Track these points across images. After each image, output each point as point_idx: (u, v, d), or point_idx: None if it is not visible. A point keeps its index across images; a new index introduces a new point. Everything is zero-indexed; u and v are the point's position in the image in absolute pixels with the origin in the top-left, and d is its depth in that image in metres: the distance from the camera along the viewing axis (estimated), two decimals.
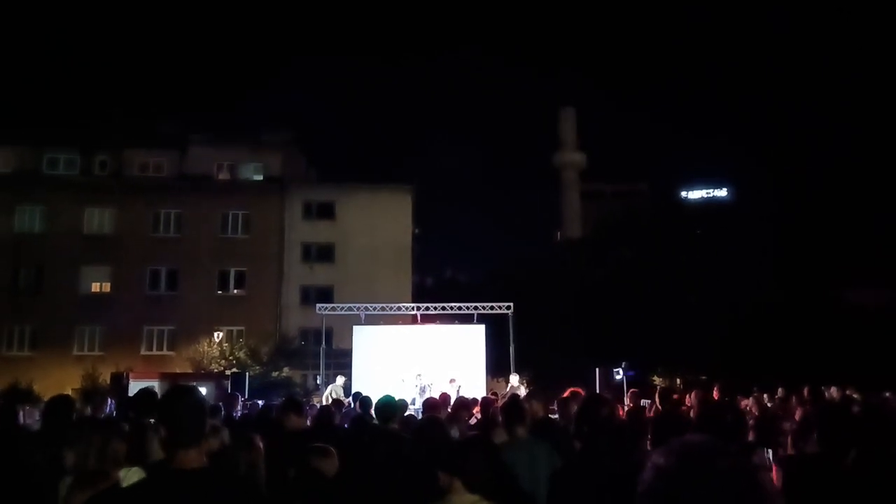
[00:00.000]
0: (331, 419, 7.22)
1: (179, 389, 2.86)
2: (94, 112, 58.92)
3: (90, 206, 33.14)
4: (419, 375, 16.77)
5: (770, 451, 5.82)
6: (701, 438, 1.43)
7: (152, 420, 5.53)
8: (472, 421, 8.99)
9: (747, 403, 11.68)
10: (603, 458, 5.39)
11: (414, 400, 14.48)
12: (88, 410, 7.16)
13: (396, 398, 10.22)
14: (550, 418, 6.88)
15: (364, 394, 11.50)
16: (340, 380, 17.51)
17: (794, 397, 11.59)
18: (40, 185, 33.13)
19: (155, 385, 17.80)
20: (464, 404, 8.35)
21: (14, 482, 4.34)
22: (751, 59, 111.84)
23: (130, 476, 3.64)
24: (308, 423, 6.95)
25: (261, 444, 4.16)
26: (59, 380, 26.90)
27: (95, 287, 32.89)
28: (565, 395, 7.39)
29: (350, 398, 16.88)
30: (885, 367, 21.34)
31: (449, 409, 7.88)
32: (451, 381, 16.07)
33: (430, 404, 7.22)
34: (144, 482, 2.75)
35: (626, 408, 9.91)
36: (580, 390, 7.74)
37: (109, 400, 7.61)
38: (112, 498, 2.71)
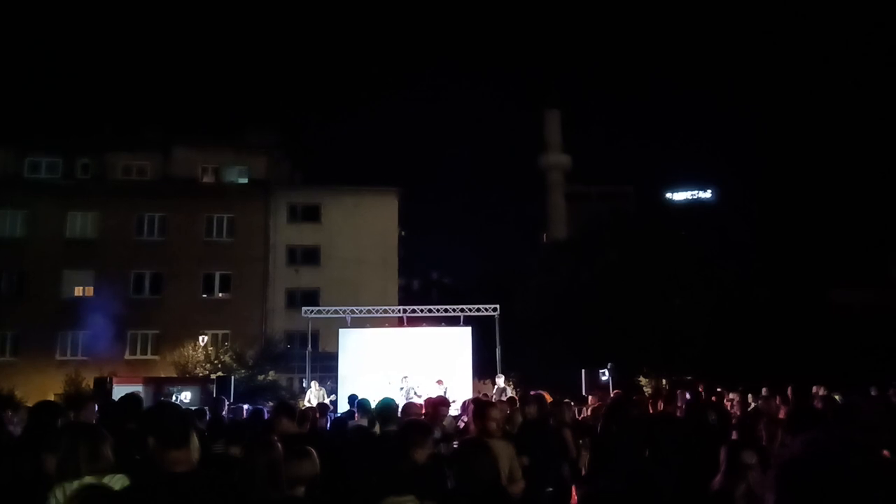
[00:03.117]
0: (317, 422, 7.20)
1: (160, 403, 2.93)
2: (76, 115, 58.47)
3: (73, 209, 32.81)
4: (405, 378, 16.76)
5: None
6: (839, 434, 1.46)
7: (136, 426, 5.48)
8: (461, 424, 9.03)
9: (732, 399, 11.78)
10: (628, 456, 5.43)
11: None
12: (71, 416, 7.08)
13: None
14: (544, 419, 6.92)
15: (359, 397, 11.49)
16: (315, 384, 17.53)
17: (778, 397, 11.70)
18: (22, 189, 32.75)
19: (139, 390, 17.72)
20: (442, 402, 8.39)
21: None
22: (735, 61, 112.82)
23: (114, 483, 3.59)
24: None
25: (280, 445, 4.11)
26: (42, 385, 26.62)
27: (78, 291, 32.55)
28: (532, 396, 7.48)
29: (330, 399, 16.89)
30: (869, 366, 21.53)
31: (423, 410, 7.91)
32: (439, 382, 16.08)
33: (406, 409, 7.22)
34: (138, 484, 2.76)
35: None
36: (545, 393, 7.84)
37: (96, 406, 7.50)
38: (108, 499, 2.71)
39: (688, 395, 11.57)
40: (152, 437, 2.62)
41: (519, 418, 7.17)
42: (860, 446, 1.41)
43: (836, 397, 11.10)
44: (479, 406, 5.73)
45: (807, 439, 1.46)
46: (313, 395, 16.51)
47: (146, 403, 17.50)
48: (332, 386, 20.21)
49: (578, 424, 9.03)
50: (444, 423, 8.12)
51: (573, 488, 7.92)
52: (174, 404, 2.95)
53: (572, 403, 10.48)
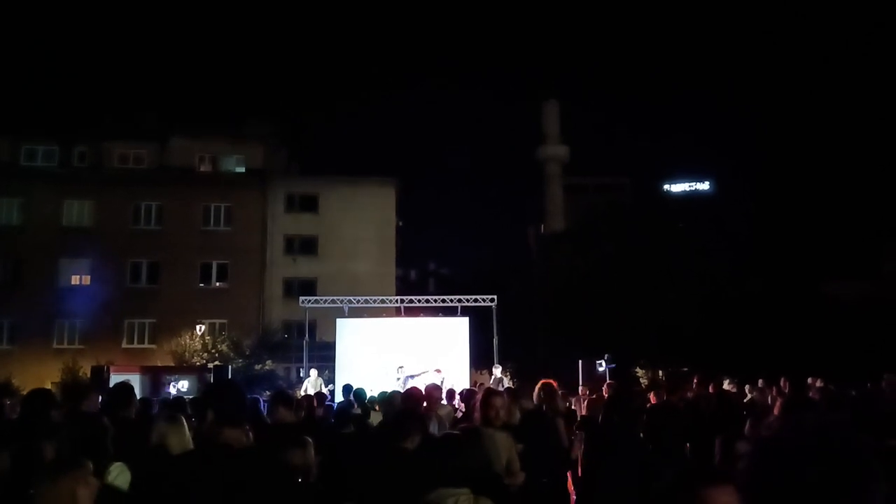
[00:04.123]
0: (313, 410, 7.23)
1: (224, 381, 3.03)
2: (73, 103, 58.16)
3: (69, 198, 32.73)
4: (401, 368, 16.79)
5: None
6: (832, 418, 1.44)
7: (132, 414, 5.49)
8: (458, 414, 9.08)
9: (729, 390, 11.85)
10: (628, 446, 5.45)
11: None
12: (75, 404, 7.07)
13: (378, 391, 10.27)
14: (540, 409, 6.94)
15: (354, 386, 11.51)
16: (314, 373, 17.52)
17: (774, 388, 11.77)
18: (18, 177, 32.64)
19: (136, 379, 17.72)
20: (435, 388, 8.42)
21: None
22: (733, 53, 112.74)
23: (114, 471, 3.60)
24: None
25: (251, 434, 4.17)
26: (38, 373, 26.62)
27: (75, 280, 32.52)
28: (538, 386, 7.48)
29: (328, 389, 16.90)
30: (862, 357, 21.62)
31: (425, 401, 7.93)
32: (437, 370, 16.17)
33: (407, 396, 7.27)
34: (197, 453, 2.82)
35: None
36: (552, 382, 7.83)
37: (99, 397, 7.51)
38: (174, 464, 2.78)
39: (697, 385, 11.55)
40: (212, 411, 2.70)
41: (515, 409, 7.19)
42: (839, 429, 1.39)
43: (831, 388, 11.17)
44: (485, 395, 5.77)
45: (786, 422, 1.45)
46: (311, 385, 16.50)
47: (146, 392, 17.50)
48: (329, 375, 20.25)
49: (573, 415, 9.08)
50: (442, 413, 8.15)
51: (568, 475, 7.97)
52: (236, 385, 3.04)
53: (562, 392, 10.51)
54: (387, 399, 6.29)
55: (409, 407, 6.14)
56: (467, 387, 15.78)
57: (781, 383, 12.09)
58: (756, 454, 1.42)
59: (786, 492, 1.32)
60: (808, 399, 6.96)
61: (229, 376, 19.54)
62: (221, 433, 2.64)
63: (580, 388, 15.00)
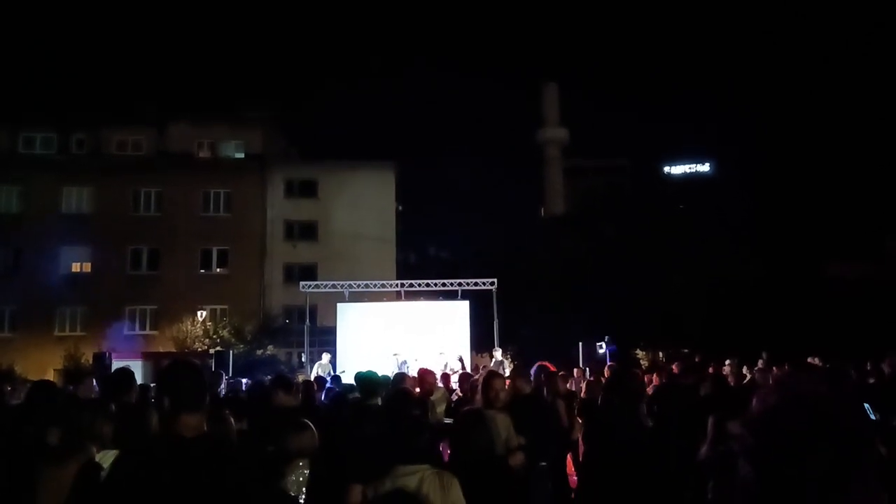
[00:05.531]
0: (313, 395, 7.26)
1: (180, 362, 2.99)
2: (71, 90, 57.94)
3: (68, 185, 32.66)
4: (396, 355, 16.78)
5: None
6: (815, 384, 1.43)
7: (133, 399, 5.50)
8: (455, 397, 9.10)
9: (727, 370, 11.88)
10: (625, 425, 5.47)
11: None
12: (70, 389, 7.11)
13: (379, 374, 10.28)
14: (540, 392, 6.96)
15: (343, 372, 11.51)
16: (326, 357, 17.53)
17: (774, 368, 11.80)
18: (17, 164, 32.57)
19: (137, 365, 17.76)
20: (427, 372, 8.44)
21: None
22: (734, 32, 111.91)
23: (109, 458, 3.61)
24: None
25: (232, 420, 4.19)
26: (40, 360, 26.75)
27: (75, 267, 32.55)
28: (534, 369, 7.48)
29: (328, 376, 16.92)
30: (864, 338, 21.63)
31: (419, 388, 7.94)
32: (441, 353, 16.20)
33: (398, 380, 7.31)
34: (144, 449, 2.79)
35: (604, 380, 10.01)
36: (548, 364, 7.84)
37: (95, 382, 7.55)
38: (113, 466, 2.76)
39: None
40: (167, 397, 2.68)
41: (521, 388, 7.21)
42: (831, 401, 1.38)
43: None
44: (486, 377, 5.79)
45: (788, 387, 1.44)
46: (321, 368, 16.54)
47: (148, 379, 17.51)
48: (331, 360, 20.28)
49: (573, 397, 9.10)
50: (435, 398, 8.16)
51: (568, 457, 8.00)
52: (193, 366, 2.95)
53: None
54: (367, 381, 6.34)
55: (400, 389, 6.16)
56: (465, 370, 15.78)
57: (774, 371, 12.12)
58: (753, 429, 1.42)
59: (782, 467, 1.32)
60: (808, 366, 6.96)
61: (230, 362, 19.58)
62: (178, 421, 2.62)
63: (575, 369, 15.00)
